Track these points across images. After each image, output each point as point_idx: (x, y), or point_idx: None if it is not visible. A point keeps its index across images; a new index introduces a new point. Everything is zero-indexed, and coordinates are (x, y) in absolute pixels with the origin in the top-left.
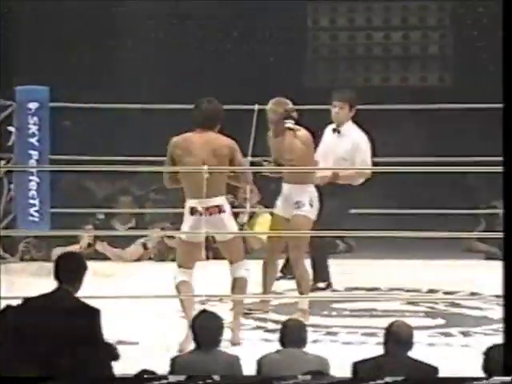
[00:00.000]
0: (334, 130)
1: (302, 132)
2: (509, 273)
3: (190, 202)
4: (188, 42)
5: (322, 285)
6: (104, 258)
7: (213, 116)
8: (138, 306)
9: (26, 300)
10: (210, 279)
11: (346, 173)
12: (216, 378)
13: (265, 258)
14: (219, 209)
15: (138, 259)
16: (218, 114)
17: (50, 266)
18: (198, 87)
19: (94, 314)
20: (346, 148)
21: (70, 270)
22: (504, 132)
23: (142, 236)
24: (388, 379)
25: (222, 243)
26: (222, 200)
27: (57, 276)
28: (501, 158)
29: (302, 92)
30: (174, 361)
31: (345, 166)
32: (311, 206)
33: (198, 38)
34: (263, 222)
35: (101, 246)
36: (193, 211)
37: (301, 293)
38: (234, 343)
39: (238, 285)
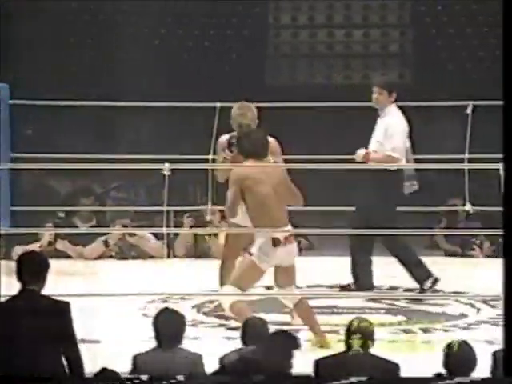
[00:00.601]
0: (379, 115)
1: (270, 139)
2: (509, 272)
3: (268, 233)
4: (149, 40)
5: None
6: (65, 256)
7: (266, 145)
8: (99, 304)
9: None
10: (174, 276)
11: (377, 156)
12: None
13: (223, 261)
14: (294, 236)
15: (99, 257)
16: (267, 142)
17: (11, 264)
18: (157, 85)
19: (65, 307)
20: (380, 132)
21: (33, 270)
22: (504, 132)
23: (103, 234)
24: (353, 379)
25: (286, 268)
26: (290, 227)
27: (20, 276)
28: (461, 156)
29: (263, 90)
30: (135, 359)
31: (379, 149)
32: None
33: (158, 36)
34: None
35: (61, 245)
36: (275, 242)
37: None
38: None
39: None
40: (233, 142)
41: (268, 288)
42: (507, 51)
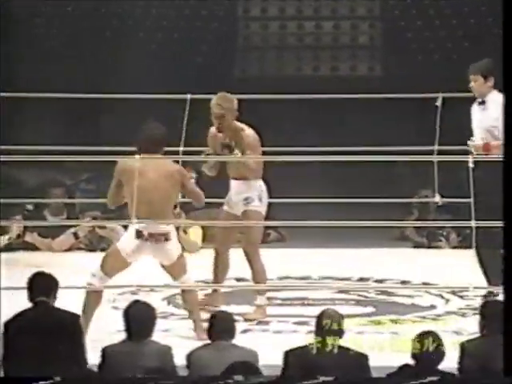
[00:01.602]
0: (480, 103)
1: (249, 130)
2: (509, 270)
3: (134, 224)
4: (119, 32)
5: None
6: (34, 248)
7: (160, 141)
8: (68, 296)
9: (13, 319)
10: (144, 268)
11: (497, 145)
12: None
13: (216, 253)
14: (166, 237)
15: (69, 249)
16: (164, 138)
17: None
18: (127, 77)
19: (77, 318)
20: (493, 116)
21: (45, 288)
22: (505, 129)
23: (73, 226)
24: (322, 378)
25: (168, 266)
26: (170, 227)
27: (32, 296)
28: (430, 147)
29: (232, 81)
30: (104, 351)
31: (494, 134)
32: (260, 200)
33: (127, 27)
34: (195, 232)
35: (30, 237)
36: (138, 235)
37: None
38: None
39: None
40: (227, 144)
41: (238, 280)
42: (507, 51)
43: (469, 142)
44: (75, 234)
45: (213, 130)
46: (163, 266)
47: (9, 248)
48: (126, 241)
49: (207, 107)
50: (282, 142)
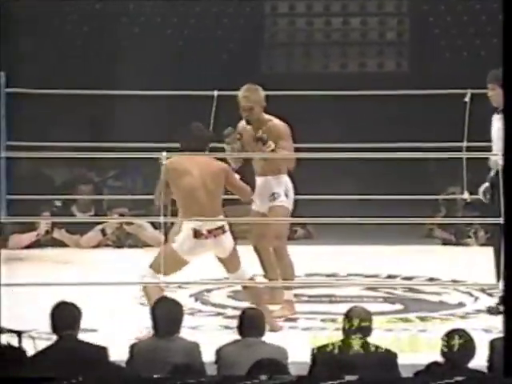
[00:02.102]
0: (498, 112)
1: (278, 121)
2: (509, 268)
3: (190, 223)
4: (145, 28)
5: None
6: (62, 245)
7: (205, 141)
8: (96, 292)
9: (38, 354)
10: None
11: None
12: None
13: (256, 251)
14: (222, 230)
15: (96, 246)
16: (210, 138)
17: (6, 252)
18: (154, 74)
19: (105, 352)
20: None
21: (69, 320)
22: (505, 125)
23: (100, 222)
24: (347, 378)
25: (223, 259)
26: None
27: (56, 329)
28: (459, 144)
29: (260, 78)
30: (132, 348)
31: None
32: (287, 196)
33: (154, 24)
34: None
35: (58, 233)
36: (196, 234)
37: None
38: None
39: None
40: (228, 133)
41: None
42: (507, 51)
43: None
44: (103, 231)
45: (242, 123)
46: (220, 259)
47: (37, 244)
48: (183, 241)
49: (234, 104)
50: (308, 138)
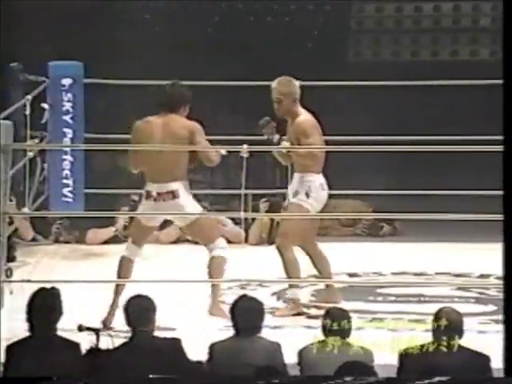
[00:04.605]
0: None
1: (305, 119)
2: (509, 268)
3: (147, 186)
4: (219, 14)
5: None
6: None
7: (176, 98)
8: (174, 289)
9: (113, 350)
10: (253, 262)
11: None
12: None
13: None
14: (173, 194)
15: (175, 241)
16: (183, 96)
17: (84, 248)
18: (234, 62)
19: (179, 344)
20: None
21: (143, 314)
22: (504, 121)
23: None
24: (437, 379)
25: (187, 227)
26: (177, 185)
27: (130, 323)
28: None
29: (346, 67)
30: (212, 347)
31: None
32: (307, 196)
33: (237, 10)
34: (260, 223)
35: None
36: (148, 195)
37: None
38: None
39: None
40: (263, 124)
41: (350, 276)
42: (507, 50)
43: None
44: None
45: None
46: (186, 232)
47: (115, 240)
48: (140, 205)
49: (318, 94)
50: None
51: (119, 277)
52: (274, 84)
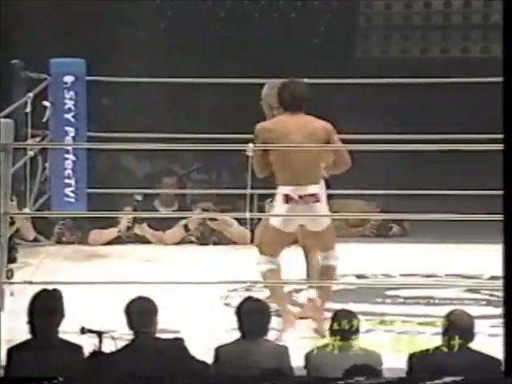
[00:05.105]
0: None
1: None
2: (509, 268)
3: (282, 189)
4: (219, 11)
5: None
6: (145, 241)
7: (303, 96)
8: (179, 291)
9: (115, 353)
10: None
11: None
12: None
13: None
14: (316, 197)
15: (179, 242)
16: (307, 93)
17: (86, 249)
18: (239, 61)
19: (181, 344)
20: None
21: (145, 316)
22: (504, 119)
23: (184, 218)
24: (447, 379)
25: (316, 233)
26: (318, 188)
27: (132, 325)
28: None
29: (354, 64)
30: (218, 350)
31: None
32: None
33: (242, 6)
34: None
35: (140, 229)
36: (287, 199)
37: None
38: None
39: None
40: None
41: (358, 277)
42: (507, 50)
43: None
44: (185, 226)
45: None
46: (312, 237)
47: (118, 241)
48: (276, 210)
49: (324, 91)
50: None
51: (274, 292)
52: (273, 89)
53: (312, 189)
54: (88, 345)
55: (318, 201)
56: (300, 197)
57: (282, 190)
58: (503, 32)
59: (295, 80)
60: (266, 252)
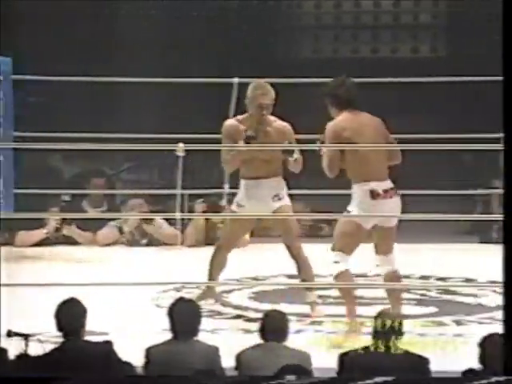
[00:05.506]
0: None
1: (285, 123)
2: (509, 268)
3: (370, 185)
4: (156, 13)
5: None
6: (72, 242)
7: (357, 94)
8: (110, 293)
9: (43, 356)
10: (189, 264)
11: None
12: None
13: (220, 245)
14: (395, 191)
15: (111, 244)
16: (357, 92)
17: (14, 251)
18: (169, 59)
19: (110, 347)
20: None
21: (74, 320)
22: (504, 117)
23: (114, 219)
24: (378, 379)
25: (387, 229)
26: (391, 183)
27: (61, 328)
28: (497, 135)
29: (284, 64)
30: (149, 351)
31: None
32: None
33: (173, 7)
34: None
35: (69, 230)
36: (374, 194)
37: (304, 281)
38: None
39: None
40: (251, 135)
41: (289, 277)
42: (507, 50)
43: None
44: (120, 229)
45: (230, 122)
46: (376, 234)
47: (47, 242)
48: (359, 206)
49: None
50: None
51: (346, 294)
52: (261, 89)
53: (389, 183)
54: (14, 348)
55: (396, 194)
56: (385, 191)
57: (365, 186)
58: (503, 32)
59: (346, 78)
60: (346, 250)
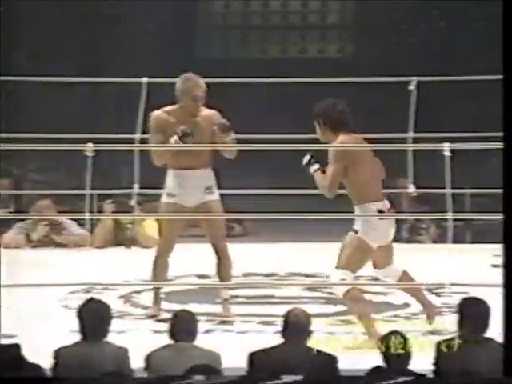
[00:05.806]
0: None
1: (214, 112)
2: (509, 268)
3: (376, 205)
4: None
5: None
6: None
7: (350, 115)
8: (16, 295)
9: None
10: (98, 265)
11: None
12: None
13: (159, 250)
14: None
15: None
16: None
17: None
18: (89, 60)
19: (17, 349)
20: None
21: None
22: (504, 116)
23: (23, 219)
24: (286, 379)
25: (389, 245)
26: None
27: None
28: (405, 135)
29: (194, 63)
30: (57, 353)
31: None
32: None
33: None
34: (150, 224)
35: None
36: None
37: (222, 280)
38: None
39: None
40: (187, 132)
41: (200, 277)
42: (507, 50)
43: None
44: (28, 236)
45: (159, 114)
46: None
47: None
48: (371, 226)
49: (168, 91)
50: (245, 127)
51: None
52: (193, 81)
53: (387, 202)
54: None
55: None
56: (388, 210)
57: (372, 206)
58: (503, 32)
59: (338, 100)
60: (353, 268)
